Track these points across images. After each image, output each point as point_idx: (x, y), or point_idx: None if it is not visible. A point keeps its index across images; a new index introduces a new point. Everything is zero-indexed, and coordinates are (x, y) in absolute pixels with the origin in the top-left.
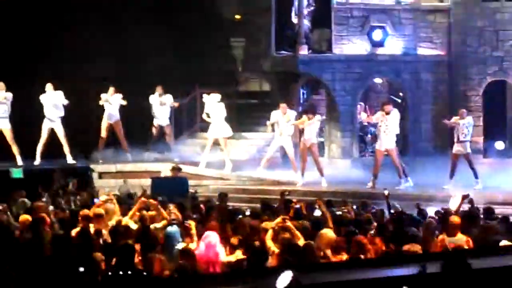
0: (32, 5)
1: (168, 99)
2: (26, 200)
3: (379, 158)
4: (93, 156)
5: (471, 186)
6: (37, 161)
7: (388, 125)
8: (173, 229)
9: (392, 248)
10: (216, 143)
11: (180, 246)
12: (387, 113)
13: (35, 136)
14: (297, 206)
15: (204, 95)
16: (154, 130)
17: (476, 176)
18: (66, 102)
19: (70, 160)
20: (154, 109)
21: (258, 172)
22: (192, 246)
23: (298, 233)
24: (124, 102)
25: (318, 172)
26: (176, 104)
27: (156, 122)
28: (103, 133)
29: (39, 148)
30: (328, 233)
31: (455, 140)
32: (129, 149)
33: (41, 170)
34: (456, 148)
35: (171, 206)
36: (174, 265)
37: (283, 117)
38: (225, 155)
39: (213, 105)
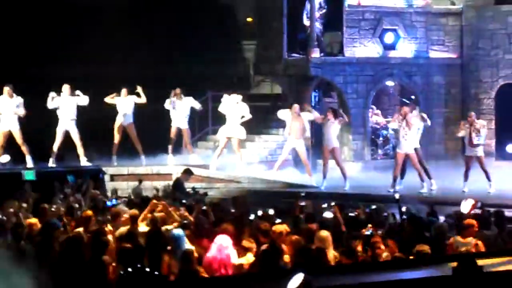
0: (44, 7)
1: (187, 101)
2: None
3: (399, 162)
4: (106, 158)
5: (485, 189)
6: (51, 163)
7: (405, 129)
8: (179, 231)
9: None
10: (226, 146)
11: (185, 247)
12: (404, 117)
13: (47, 138)
14: (307, 208)
15: (225, 95)
16: (172, 134)
17: (489, 179)
18: (86, 101)
19: (84, 162)
20: (171, 112)
21: (271, 174)
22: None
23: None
24: (142, 100)
25: (341, 175)
26: (197, 106)
27: (174, 124)
28: (116, 136)
29: (54, 149)
30: (325, 234)
31: (467, 143)
32: (144, 152)
33: (53, 172)
34: (469, 151)
35: (182, 209)
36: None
37: (295, 119)
38: (237, 157)
39: (232, 106)
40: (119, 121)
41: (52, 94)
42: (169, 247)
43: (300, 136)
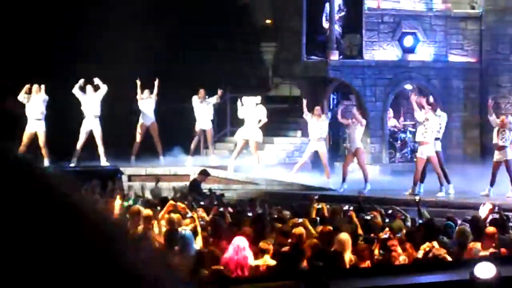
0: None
1: (212, 101)
2: None
3: (419, 167)
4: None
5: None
6: (73, 163)
7: (427, 130)
8: (188, 232)
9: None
10: (244, 147)
11: (194, 248)
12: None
13: (67, 137)
14: (322, 210)
15: (244, 97)
16: (196, 134)
17: None
18: (104, 90)
19: (104, 162)
20: (196, 113)
21: (290, 177)
22: (198, 240)
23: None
24: (155, 93)
25: (363, 177)
26: (215, 100)
27: (198, 125)
28: (138, 137)
29: (77, 149)
30: (345, 237)
31: (494, 146)
32: (165, 152)
33: (69, 172)
34: (496, 155)
35: (200, 210)
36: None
37: (316, 121)
38: (254, 159)
39: (250, 108)
40: (141, 120)
41: (81, 81)
42: (176, 247)
43: (320, 138)
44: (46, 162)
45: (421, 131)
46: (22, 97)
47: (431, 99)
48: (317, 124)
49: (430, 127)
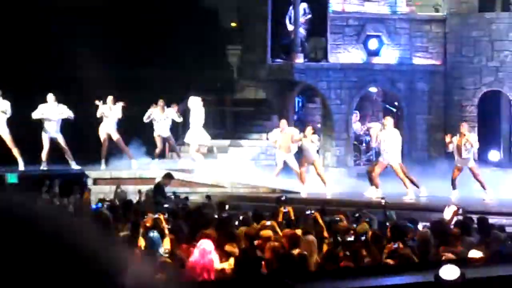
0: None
1: (169, 113)
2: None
3: (378, 171)
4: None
5: (468, 196)
6: (43, 166)
7: (386, 141)
8: (155, 234)
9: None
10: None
11: (161, 251)
12: (384, 128)
13: (35, 140)
14: (289, 213)
15: (190, 98)
16: (157, 142)
17: (483, 188)
18: (70, 115)
19: (74, 165)
20: (155, 122)
21: (271, 182)
22: (166, 242)
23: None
24: (120, 114)
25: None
26: (178, 120)
27: (156, 134)
28: (104, 143)
29: (43, 158)
30: (311, 238)
31: (457, 155)
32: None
33: (36, 175)
34: (459, 162)
35: (165, 213)
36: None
37: (281, 135)
38: (194, 160)
39: (194, 109)
40: (103, 127)
41: (40, 107)
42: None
43: (288, 151)
44: (20, 161)
45: (383, 146)
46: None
47: (385, 120)
48: (283, 137)
49: (388, 145)
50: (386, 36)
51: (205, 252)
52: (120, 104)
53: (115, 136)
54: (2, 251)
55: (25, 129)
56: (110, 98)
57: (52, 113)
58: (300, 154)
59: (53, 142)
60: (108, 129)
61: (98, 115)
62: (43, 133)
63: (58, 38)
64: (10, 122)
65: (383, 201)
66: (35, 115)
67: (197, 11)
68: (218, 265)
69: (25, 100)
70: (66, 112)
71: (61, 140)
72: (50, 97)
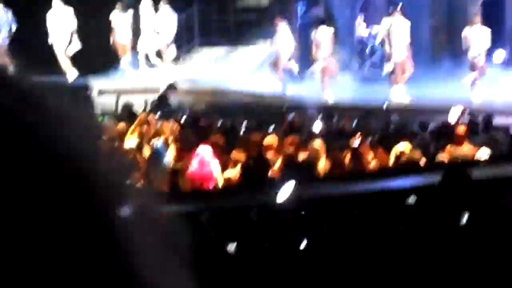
0: None
1: None
2: None
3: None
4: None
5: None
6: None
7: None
8: (159, 144)
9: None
10: None
11: (166, 160)
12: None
13: None
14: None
15: None
16: None
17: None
18: None
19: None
20: None
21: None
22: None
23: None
24: None
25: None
26: None
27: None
28: None
29: None
30: (317, 143)
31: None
32: None
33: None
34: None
35: (170, 123)
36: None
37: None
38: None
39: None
40: None
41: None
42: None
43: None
44: None
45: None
46: None
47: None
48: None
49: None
50: None
51: (203, 161)
52: None
53: None
54: None
55: None
56: None
57: None
58: None
59: None
60: None
61: None
62: None
63: None
64: None
65: (386, 103)
66: None
67: None
68: (218, 173)
69: None
70: None
71: None
72: None
